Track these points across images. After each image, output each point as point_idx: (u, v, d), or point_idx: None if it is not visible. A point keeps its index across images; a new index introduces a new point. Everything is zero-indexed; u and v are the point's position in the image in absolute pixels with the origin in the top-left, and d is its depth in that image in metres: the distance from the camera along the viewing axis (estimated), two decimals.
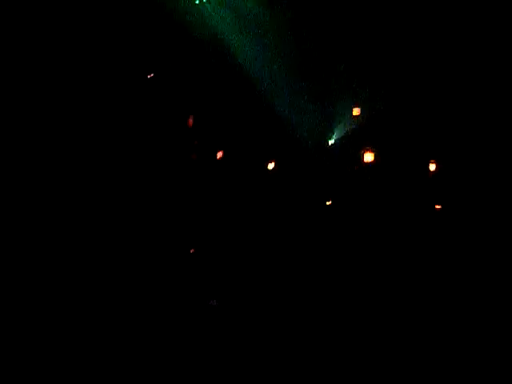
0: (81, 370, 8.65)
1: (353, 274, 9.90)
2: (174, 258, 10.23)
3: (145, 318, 9.49)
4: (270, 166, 10.76)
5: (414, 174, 10.30)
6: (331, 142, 10.81)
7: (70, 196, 9.97)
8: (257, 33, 10.66)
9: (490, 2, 10.22)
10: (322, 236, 10.37)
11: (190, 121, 10.60)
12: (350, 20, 10.65)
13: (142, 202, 10.32)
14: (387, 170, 10.33)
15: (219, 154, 10.73)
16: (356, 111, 10.61)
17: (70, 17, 10.22)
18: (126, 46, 10.41)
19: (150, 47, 10.55)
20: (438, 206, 10.25)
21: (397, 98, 10.48)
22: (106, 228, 9.97)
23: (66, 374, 8.60)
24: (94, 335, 9.05)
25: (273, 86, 10.79)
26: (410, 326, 9.11)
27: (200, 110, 10.75)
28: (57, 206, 9.86)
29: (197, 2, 10.56)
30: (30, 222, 9.68)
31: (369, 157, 10.01)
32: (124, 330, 9.23)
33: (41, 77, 10.10)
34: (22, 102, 9.97)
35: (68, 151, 10.06)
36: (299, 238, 10.40)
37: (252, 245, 10.44)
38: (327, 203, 10.53)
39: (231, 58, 10.65)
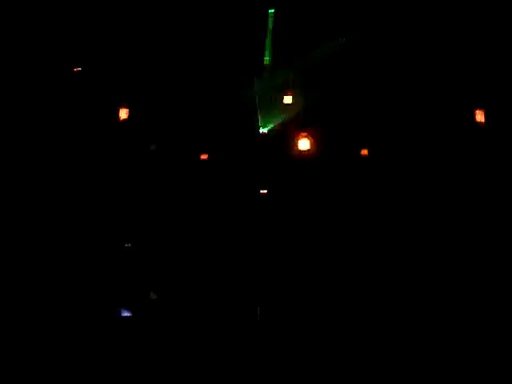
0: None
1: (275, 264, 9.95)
2: (110, 252, 10.13)
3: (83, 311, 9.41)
4: (202, 158, 10.69)
5: (348, 161, 10.35)
6: (263, 130, 10.79)
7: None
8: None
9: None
10: (256, 228, 10.38)
11: (122, 114, 10.46)
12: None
13: (77, 197, 10.20)
14: (322, 157, 10.36)
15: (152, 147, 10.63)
16: (287, 99, 10.60)
17: None
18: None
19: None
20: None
21: (331, 85, 10.52)
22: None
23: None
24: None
25: (198, 78, 10.75)
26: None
27: (130, 102, 10.63)
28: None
29: None
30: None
31: (303, 144, 9.99)
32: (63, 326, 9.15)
33: None
34: None
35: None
36: (232, 230, 10.39)
37: (187, 237, 10.39)
38: (261, 192, 10.52)
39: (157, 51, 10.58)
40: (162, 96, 10.64)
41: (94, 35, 10.54)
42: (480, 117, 9.92)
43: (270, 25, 10.52)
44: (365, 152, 10.29)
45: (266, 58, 10.66)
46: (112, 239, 10.26)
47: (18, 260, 9.67)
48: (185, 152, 10.64)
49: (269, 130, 10.75)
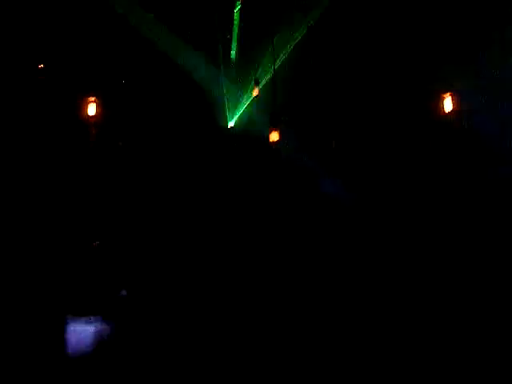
0: None
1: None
2: (80, 250, 10.01)
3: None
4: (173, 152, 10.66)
5: (320, 152, 10.48)
6: (231, 124, 10.85)
7: None
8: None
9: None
10: (224, 219, 10.39)
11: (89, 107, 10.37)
12: None
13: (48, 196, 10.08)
14: (295, 149, 10.47)
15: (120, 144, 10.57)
16: (255, 91, 10.68)
17: None
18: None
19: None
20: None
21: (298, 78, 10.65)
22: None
23: None
24: None
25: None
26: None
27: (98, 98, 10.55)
28: None
29: None
30: None
31: (274, 136, 10.04)
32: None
33: None
34: None
35: None
36: (203, 224, 10.37)
37: (161, 233, 10.33)
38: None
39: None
40: (130, 93, 10.62)
41: (58, 31, 10.44)
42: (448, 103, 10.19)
43: (237, 19, 10.61)
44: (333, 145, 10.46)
45: (233, 52, 10.73)
46: (80, 237, 10.13)
47: None
48: (153, 147, 10.61)
49: (236, 124, 10.83)
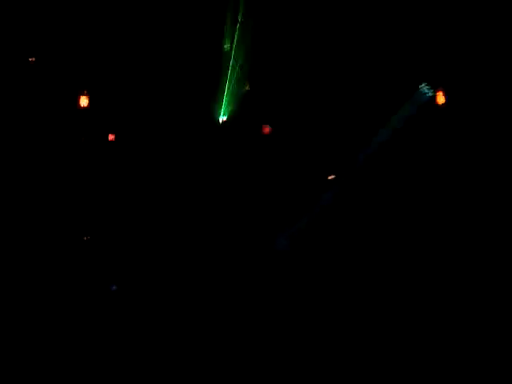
0: None
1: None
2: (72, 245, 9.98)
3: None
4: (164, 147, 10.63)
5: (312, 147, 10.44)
6: (223, 118, 10.82)
7: None
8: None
9: None
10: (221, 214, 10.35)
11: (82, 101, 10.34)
12: None
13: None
14: (286, 142, 10.44)
15: (110, 137, 10.51)
16: (247, 86, 10.68)
17: None
18: None
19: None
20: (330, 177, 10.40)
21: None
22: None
23: None
24: None
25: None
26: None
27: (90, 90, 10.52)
28: None
29: None
30: None
31: (266, 129, 10.04)
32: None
33: None
34: None
35: None
36: (197, 219, 10.33)
37: (150, 228, 10.29)
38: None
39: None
40: (122, 85, 10.58)
41: (49, 25, 10.42)
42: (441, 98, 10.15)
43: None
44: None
45: (226, 46, 10.69)
46: (70, 232, 10.10)
47: None
48: (145, 141, 10.57)
49: (228, 117, 10.79)
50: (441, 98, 10.00)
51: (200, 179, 10.44)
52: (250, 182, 10.42)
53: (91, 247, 10.11)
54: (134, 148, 10.55)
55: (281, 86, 10.61)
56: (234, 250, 9.96)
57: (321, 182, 10.21)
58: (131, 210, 10.35)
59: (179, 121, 10.61)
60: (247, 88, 10.62)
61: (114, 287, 9.95)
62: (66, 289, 9.59)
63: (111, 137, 10.42)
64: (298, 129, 10.51)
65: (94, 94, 10.38)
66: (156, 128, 10.60)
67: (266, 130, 9.91)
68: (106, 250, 10.09)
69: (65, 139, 10.37)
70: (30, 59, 10.44)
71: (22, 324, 9.04)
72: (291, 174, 10.34)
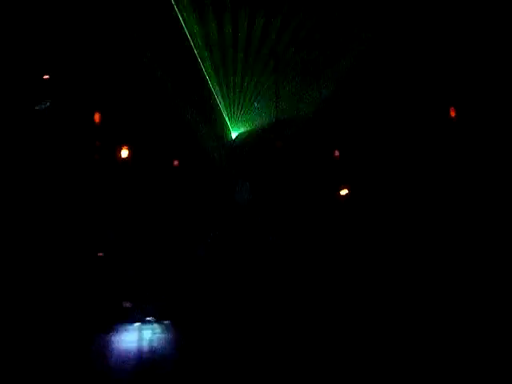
0: None
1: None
2: (84, 261, 9.96)
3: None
4: (175, 164, 10.73)
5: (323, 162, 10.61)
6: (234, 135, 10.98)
7: None
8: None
9: None
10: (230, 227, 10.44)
11: (96, 118, 10.38)
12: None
13: (49, 204, 10.01)
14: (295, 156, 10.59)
15: (124, 153, 10.57)
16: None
17: None
18: None
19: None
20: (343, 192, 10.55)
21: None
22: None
23: None
24: None
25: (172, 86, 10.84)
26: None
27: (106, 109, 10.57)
28: None
29: None
30: None
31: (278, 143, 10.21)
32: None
33: None
34: None
35: None
36: (207, 233, 10.42)
37: (163, 244, 10.32)
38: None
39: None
40: (135, 100, 10.67)
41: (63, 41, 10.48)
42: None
43: None
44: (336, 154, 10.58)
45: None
46: (85, 248, 10.10)
47: None
48: (158, 157, 10.66)
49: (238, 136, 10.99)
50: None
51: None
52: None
53: (104, 263, 10.13)
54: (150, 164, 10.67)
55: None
56: None
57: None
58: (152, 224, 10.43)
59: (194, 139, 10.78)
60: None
61: (128, 304, 9.95)
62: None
63: (124, 153, 10.52)
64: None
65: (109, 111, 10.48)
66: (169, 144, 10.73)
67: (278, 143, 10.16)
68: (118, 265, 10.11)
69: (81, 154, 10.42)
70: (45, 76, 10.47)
71: (39, 339, 8.99)
72: None
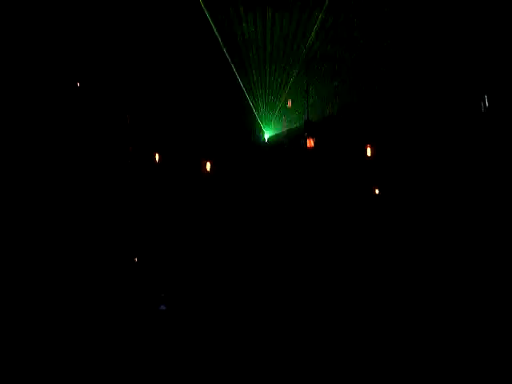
0: None
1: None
2: (117, 265, 10.00)
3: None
4: (207, 166, 10.75)
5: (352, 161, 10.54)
6: (266, 137, 10.97)
7: None
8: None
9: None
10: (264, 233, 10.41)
11: (127, 122, 10.48)
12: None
13: (82, 207, 10.09)
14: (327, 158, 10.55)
15: (156, 157, 10.64)
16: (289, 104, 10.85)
17: None
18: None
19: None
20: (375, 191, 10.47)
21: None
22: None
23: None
24: None
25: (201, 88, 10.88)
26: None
27: (135, 112, 10.66)
28: None
29: None
30: None
31: (310, 143, 10.18)
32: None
33: None
34: None
35: None
36: (238, 238, 10.40)
37: (195, 247, 10.34)
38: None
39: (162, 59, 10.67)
40: (165, 103, 10.73)
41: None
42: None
43: None
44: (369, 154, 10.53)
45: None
46: (119, 251, 10.16)
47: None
48: (188, 159, 10.70)
49: (270, 137, 10.97)
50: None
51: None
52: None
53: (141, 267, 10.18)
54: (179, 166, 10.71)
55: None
56: None
57: None
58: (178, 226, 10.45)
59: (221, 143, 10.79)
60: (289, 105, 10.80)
61: (163, 307, 9.97)
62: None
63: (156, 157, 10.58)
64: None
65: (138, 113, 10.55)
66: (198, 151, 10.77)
67: (310, 142, 10.11)
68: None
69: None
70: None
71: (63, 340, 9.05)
72: None
